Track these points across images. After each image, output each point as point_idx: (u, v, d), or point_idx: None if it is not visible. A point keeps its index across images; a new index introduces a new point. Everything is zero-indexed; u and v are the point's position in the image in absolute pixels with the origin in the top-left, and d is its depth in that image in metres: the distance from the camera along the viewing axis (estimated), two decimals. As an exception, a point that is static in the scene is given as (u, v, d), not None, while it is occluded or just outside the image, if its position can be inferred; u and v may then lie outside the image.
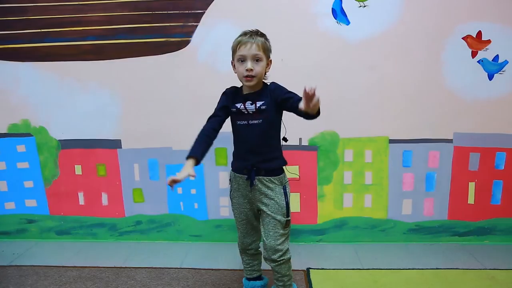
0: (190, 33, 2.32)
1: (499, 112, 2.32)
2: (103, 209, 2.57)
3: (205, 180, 2.49)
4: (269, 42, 1.64)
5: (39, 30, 2.36)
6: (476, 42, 2.25)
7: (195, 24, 2.31)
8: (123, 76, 2.39)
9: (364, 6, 2.24)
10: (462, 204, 2.45)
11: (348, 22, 2.26)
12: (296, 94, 1.57)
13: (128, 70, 2.38)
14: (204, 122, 2.35)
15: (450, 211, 2.46)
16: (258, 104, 1.62)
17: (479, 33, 2.24)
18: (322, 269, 2.16)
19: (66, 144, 2.50)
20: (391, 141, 2.39)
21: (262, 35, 1.62)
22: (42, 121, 2.48)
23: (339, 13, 2.25)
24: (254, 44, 1.56)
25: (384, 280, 2.05)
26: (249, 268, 1.88)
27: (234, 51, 1.62)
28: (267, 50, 1.62)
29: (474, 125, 2.34)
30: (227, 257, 2.33)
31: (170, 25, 2.32)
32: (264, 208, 1.67)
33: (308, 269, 2.14)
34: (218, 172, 2.47)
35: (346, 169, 2.43)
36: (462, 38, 2.26)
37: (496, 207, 2.44)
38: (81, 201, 2.57)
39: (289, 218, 1.70)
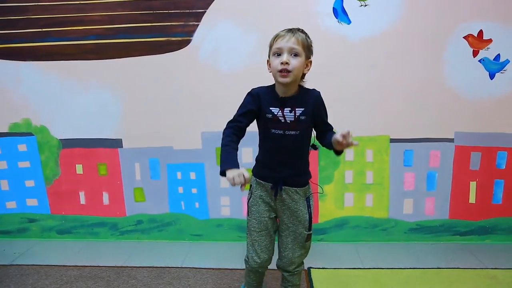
0: (191, 33, 2.32)
1: (500, 112, 2.32)
2: (104, 208, 2.57)
3: (206, 180, 2.49)
4: (311, 41, 1.49)
5: (40, 30, 2.36)
6: (477, 41, 2.25)
7: (196, 23, 2.31)
8: (124, 75, 2.39)
9: (365, 6, 2.24)
10: (463, 203, 2.44)
11: (349, 22, 2.26)
12: (331, 126, 1.56)
13: (129, 70, 2.38)
14: (204, 121, 2.39)
15: (451, 210, 2.46)
16: (298, 112, 1.47)
17: (480, 32, 2.24)
18: (323, 268, 2.16)
19: (67, 143, 2.50)
20: (392, 140, 2.38)
21: (304, 32, 1.48)
22: (43, 120, 2.48)
23: (340, 13, 2.25)
24: (293, 37, 1.42)
25: (385, 279, 2.05)
26: (255, 284, 1.75)
27: (270, 45, 1.48)
28: (307, 48, 1.46)
29: (475, 124, 2.34)
30: (228, 256, 2.33)
31: (171, 25, 2.32)
32: (286, 220, 1.58)
33: (309, 268, 2.14)
34: (219, 171, 2.46)
35: (347, 168, 2.43)
36: (463, 37, 2.25)
37: (497, 207, 2.44)
38: (82, 201, 2.57)
39: (311, 232, 1.60)
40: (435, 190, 2.44)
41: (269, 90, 1.52)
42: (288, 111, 1.47)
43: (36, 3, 2.33)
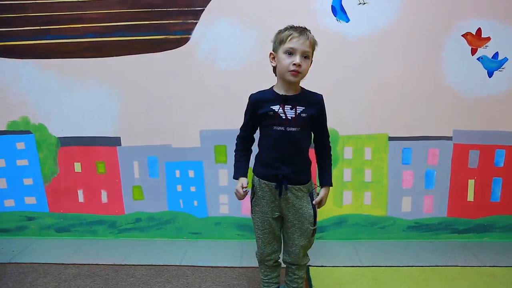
0: (189, 31, 2.32)
1: (499, 110, 2.32)
2: (103, 206, 2.57)
3: (205, 178, 2.49)
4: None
5: (39, 28, 2.35)
6: (475, 39, 2.25)
7: (195, 21, 2.31)
8: (122, 73, 2.39)
9: (364, 4, 2.24)
10: (462, 201, 2.45)
11: (347, 20, 2.26)
12: (328, 133, 1.66)
13: (128, 68, 2.37)
14: (203, 119, 2.39)
15: (449, 208, 2.46)
16: (299, 110, 1.51)
17: (479, 30, 2.24)
18: (322, 266, 2.16)
19: (66, 141, 2.49)
20: (391, 139, 2.38)
21: (311, 33, 1.53)
22: (42, 119, 2.47)
23: (338, 11, 2.25)
24: (307, 40, 1.47)
25: (383, 277, 2.05)
26: (266, 280, 1.74)
27: (281, 41, 1.47)
28: (314, 51, 1.54)
29: (473, 122, 2.34)
30: (226, 254, 2.33)
31: (169, 23, 2.32)
32: (291, 217, 1.60)
33: (307, 266, 2.14)
34: (218, 169, 2.47)
35: (345, 166, 2.43)
36: (462, 36, 2.25)
37: (495, 205, 2.45)
38: (81, 199, 2.57)
39: (316, 227, 1.64)
40: (433, 188, 2.44)
41: (268, 91, 1.58)
42: (289, 108, 1.51)
43: (34, 1, 2.32)
